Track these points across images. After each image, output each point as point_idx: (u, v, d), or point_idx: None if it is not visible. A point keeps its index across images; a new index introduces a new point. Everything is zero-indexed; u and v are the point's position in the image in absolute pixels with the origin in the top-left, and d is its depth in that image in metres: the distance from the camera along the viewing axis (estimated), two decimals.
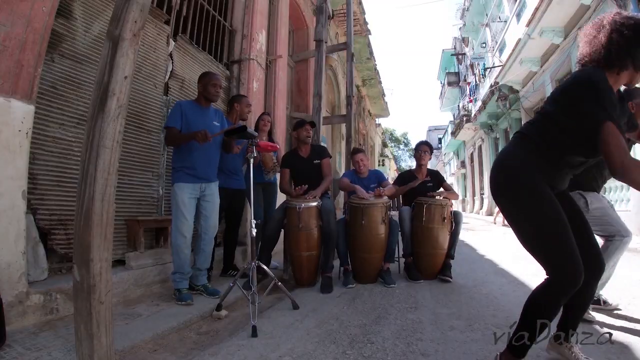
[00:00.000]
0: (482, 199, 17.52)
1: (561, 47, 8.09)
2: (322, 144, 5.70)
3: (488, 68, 13.75)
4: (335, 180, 5.27)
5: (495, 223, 10.24)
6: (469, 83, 18.87)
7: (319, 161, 3.39)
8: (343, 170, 6.86)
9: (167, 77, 3.37)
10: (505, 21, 11.53)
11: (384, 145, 26.22)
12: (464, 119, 17.81)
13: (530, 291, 1.41)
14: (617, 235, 2.14)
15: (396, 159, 36.06)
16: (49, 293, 2.01)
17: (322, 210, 3.13)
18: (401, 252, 3.55)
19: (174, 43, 3.43)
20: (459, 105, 21.74)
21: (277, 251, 3.52)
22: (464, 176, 22.58)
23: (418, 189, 3.59)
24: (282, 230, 3.23)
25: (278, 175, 3.65)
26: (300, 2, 6.84)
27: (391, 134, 37.88)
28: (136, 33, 1.33)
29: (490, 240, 6.89)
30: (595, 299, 2.17)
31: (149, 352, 1.81)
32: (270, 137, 3.74)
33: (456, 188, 25.17)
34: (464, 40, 19.63)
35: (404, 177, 3.84)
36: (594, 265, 1.43)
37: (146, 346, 1.85)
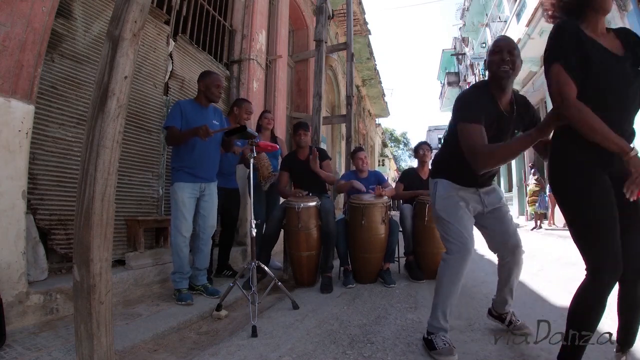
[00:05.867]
0: None
1: None
2: (322, 144, 5.70)
3: None
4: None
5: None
6: (469, 83, 18.87)
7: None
8: (343, 171, 6.86)
9: (167, 77, 3.37)
10: (505, 21, 11.54)
11: (384, 145, 26.22)
12: None
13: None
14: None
15: (396, 159, 36.05)
16: (49, 293, 2.01)
17: (321, 210, 3.13)
18: (402, 251, 3.55)
19: (174, 43, 3.43)
20: None
21: (277, 251, 3.52)
22: None
23: (420, 187, 3.60)
24: (282, 230, 3.23)
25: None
26: (300, 2, 6.83)
27: (391, 134, 37.85)
28: (136, 33, 1.33)
29: None
30: (502, 315, 1.99)
31: (149, 352, 1.81)
32: (273, 136, 3.72)
33: None
34: (464, 40, 19.63)
35: (409, 174, 3.84)
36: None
37: (146, 346, 1.85)
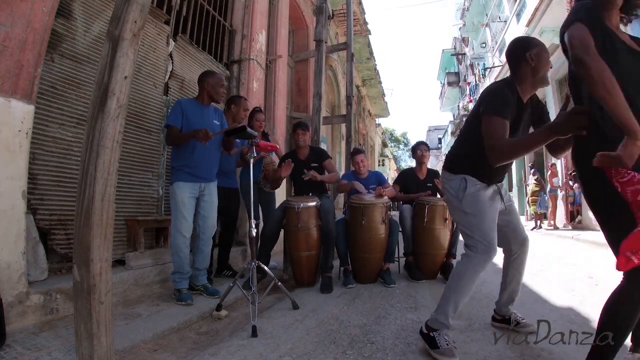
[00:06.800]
0: None
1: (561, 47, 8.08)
2: (322, 144, 5.70)
3: (488, 68, 13.77)
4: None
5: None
6: (469, 83, 18.88)
7: (316, 164, 3.39)
8: (342, 171, 6.86)
9: (167, 77, 3.37)
10: (505, 21, 11.55)
11: (384, 145, 26.22)
12: (464, 119, 17.80)
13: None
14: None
15: (396, 159, 36.07)
16: (49, 293, 2.01)
17: (321, 210, 3.13)
18: (401, 251, 3.55)
19: (174, 43, 3.43)
20: (459, 105, 21.77)
21: (277, 251, 3.52)
22: None
23: (419, 188, 3.60)
24: (282, 230, 3.23)
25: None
26: (300, 2, 6.83)
27: (391, 134, 37.87)
28: (136, 33, 1.33)
29: None
30: (506, 317, 2.02)
31: (149, 352, 1.81)
32: (265, 135, 3.71)
33: None
34: (464, 40, 19.64)
35: (406, 175, 3.84)
36: None
37: (146, 346, 1.85)
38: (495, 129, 1.54)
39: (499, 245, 1.96)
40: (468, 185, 1.77)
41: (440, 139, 32.64)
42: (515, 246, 1.95)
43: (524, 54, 1.68)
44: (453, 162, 1.89)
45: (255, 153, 2.37)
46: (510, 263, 1.99)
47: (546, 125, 1.40)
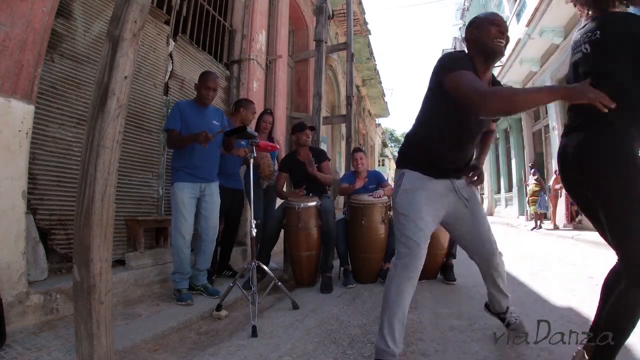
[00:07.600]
0: (482, 199, 17.52)
1: (561, 47, 8.09)
2: (322, 144, 5.70)
3: None
4: (335, 181, 5.26)
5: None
6: None
7: (317, 165, 3.39)
8: (343, 171, 6.87)
9: (167, 77, 3.37)
10: (505, 21, 11.54)
11: (384, 145, 26.23)
12: None
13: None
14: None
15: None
16: (49, 293, 2.01)
17: (321, 210, 3.13)
18: None
19: (174, 43, 3.43)
20: None
21: (277, 251, 3.52)
22: None
23: None
24: (282, 230, 3.23)
25: None
26: (300, 2, 6.84)
27: (391, 134, 37.90)
28: (136, 33, 1.33)
29: None
30: (500, 313, 1.88)
31: (149, 352, 1.81)
32: (271, 137, 3.73)
33: None
34: (464, 40, 19.63)
35: None
36: None
37: (146, 346, 1.85)
38: (467, 77, 1.34)
39: (469, 256, 1.75)
40: (404, 182, 1.58)
41: None
42: (480, 262, 1.70)
43: (467, 30, 1.59)
44: (398, 157, 1.72)
45: (255, 153, 2.37)
46: (482, 274, 1.77)
47: (560, 85, 1.22)
